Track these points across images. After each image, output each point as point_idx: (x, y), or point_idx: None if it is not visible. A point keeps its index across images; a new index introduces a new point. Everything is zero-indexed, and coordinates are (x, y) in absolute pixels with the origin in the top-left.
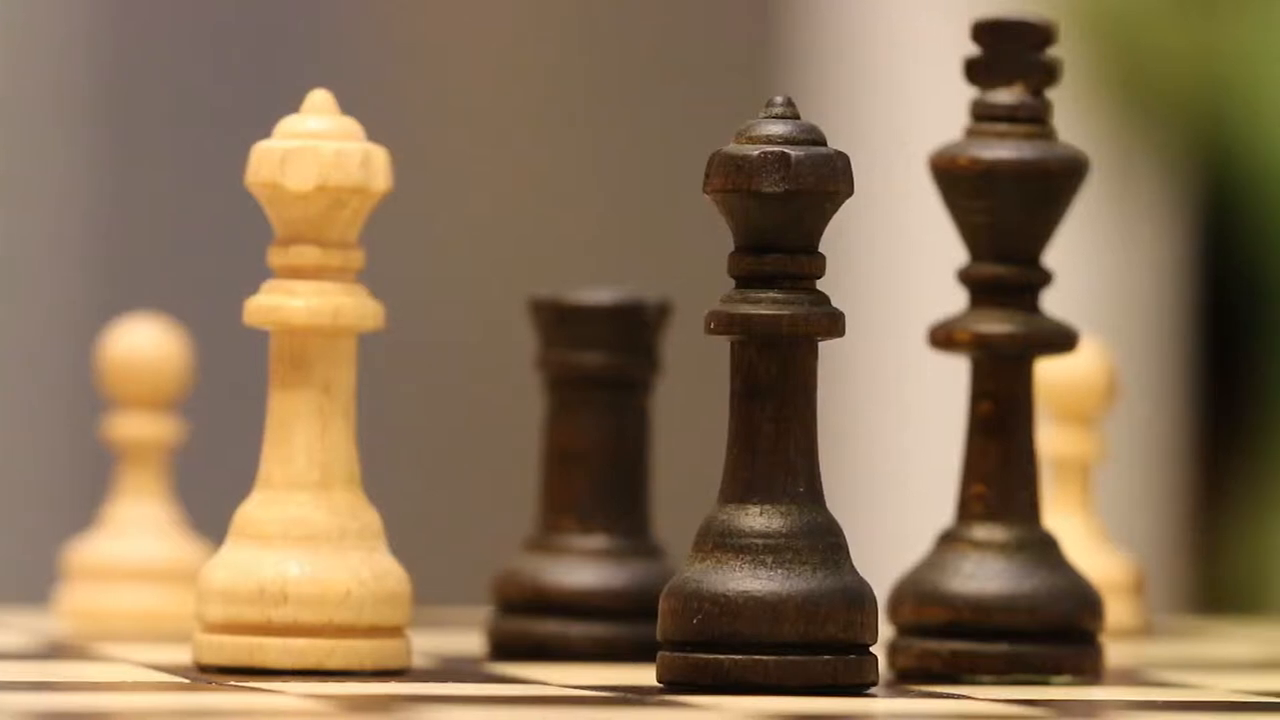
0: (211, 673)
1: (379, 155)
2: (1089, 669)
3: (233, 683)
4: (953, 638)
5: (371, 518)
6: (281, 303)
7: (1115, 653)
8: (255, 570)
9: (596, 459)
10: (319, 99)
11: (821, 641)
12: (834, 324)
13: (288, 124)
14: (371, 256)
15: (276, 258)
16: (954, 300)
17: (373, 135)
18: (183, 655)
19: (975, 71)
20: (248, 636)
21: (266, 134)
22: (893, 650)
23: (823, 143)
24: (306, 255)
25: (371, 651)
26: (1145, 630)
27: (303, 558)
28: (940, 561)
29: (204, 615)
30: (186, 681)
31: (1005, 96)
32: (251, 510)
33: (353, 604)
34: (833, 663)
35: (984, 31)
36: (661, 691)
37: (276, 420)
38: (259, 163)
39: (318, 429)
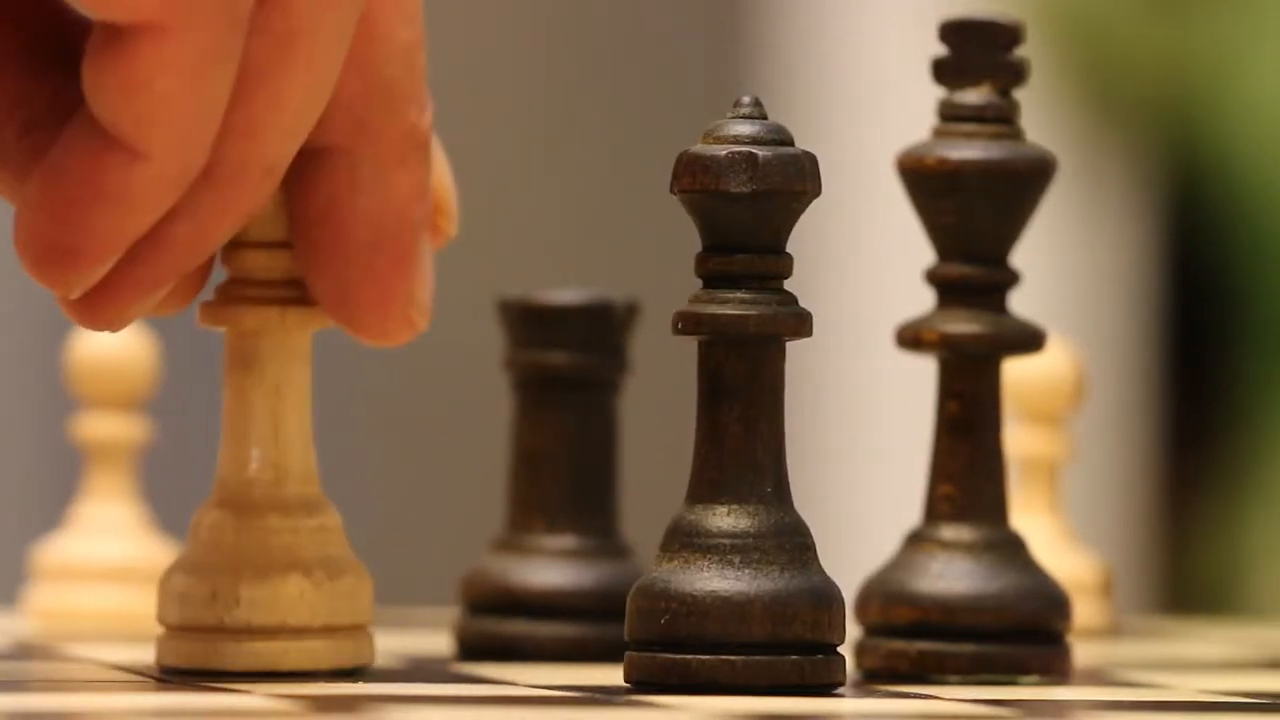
0: (171, 675)
1: None
2: (1056, 669)
3: (199, 683)
4: (920, 638)
5: (328, 517)
6: (232, 304)
7: (1083, 653)
8: (209, 572)
9: (564, 459)
10: None
11: (789, 641)
12: (801, 324)
13: None
14: None
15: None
16: (921, 300)
17: None
18: (150, 655)
19: (943, 72)
20: (203, 639)
21: None
22: (860, 650)
23: (790, 143)
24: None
25: (327, 651)
26: (1113, 630)
27: (257, 559)
28: (908, 561)
29: (162, 617)
30: (154, 681)
31: (973, 97)
32: (207, 511)
33: (307, 604)
34: (800, 663)
35: (951, 31)
36: (629, 692)
37: (230, 421)
38: None
39: (270, 429)
